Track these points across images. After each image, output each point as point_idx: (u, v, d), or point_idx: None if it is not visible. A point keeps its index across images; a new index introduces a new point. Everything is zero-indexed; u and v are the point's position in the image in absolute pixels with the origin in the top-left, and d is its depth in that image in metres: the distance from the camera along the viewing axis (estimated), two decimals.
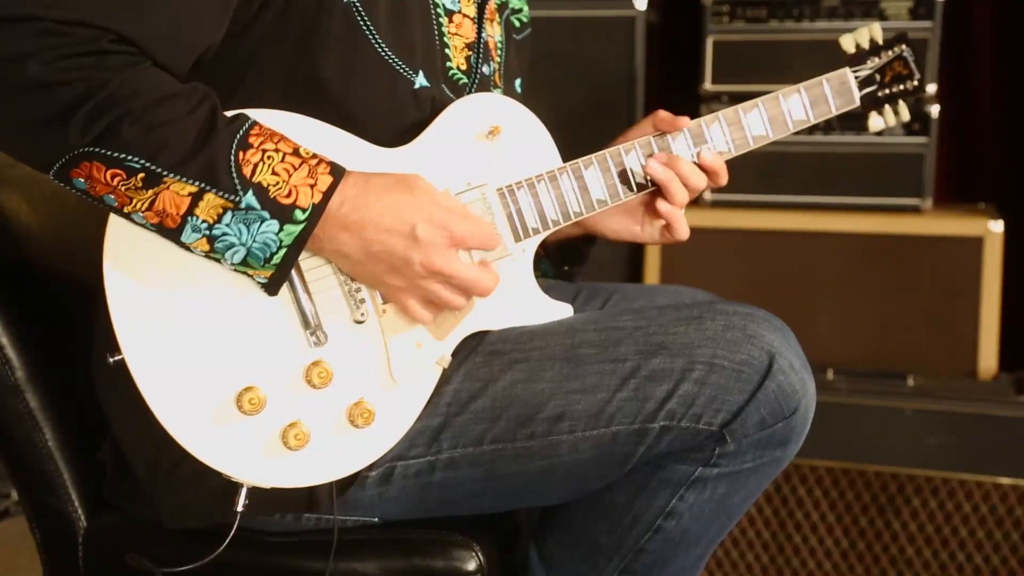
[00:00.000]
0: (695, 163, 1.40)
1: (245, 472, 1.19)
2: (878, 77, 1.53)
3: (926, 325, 2.52)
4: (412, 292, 1.21)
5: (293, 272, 1.18)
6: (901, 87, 1.54)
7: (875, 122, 1.56)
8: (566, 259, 1.54)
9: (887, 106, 1.55)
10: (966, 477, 2.32)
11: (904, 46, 1.53)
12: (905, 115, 1.56)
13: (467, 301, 1.25)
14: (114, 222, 1.16)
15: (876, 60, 1.52)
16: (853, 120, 2.48)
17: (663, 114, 1.42)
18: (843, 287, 2.57)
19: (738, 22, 2.63)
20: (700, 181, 1.39)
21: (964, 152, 2.91)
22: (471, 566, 1.31)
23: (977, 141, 2.91)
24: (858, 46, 1.53)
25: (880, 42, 1.53)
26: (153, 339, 1.16)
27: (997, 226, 2.48)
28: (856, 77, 1.51)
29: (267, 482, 1.20)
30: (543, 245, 1.52)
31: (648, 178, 1.39)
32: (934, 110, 2.53)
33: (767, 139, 1.46)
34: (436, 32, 1.33)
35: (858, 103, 1.51)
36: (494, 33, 1.44)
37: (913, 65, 1.53)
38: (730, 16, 2.63)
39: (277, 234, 1.12)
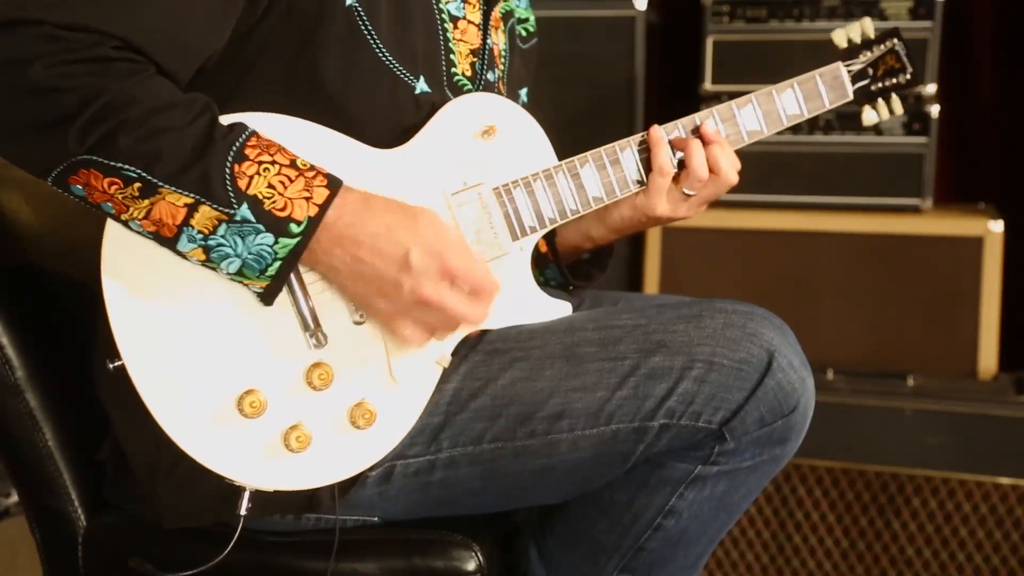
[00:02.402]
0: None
1: (247, 475, 1.19)
2: (871, 71, 1.53)
3: (926, 325, 2.52)
4: (401, 316, 1.20)
5: (291, 274, 1.18)
6: (894, 80, 1.55)
7: (868, 116, 1.57)
8: (576, 275, 1.54)
9: (880, 100, 1.56)
10: (966, 477, 2.32)
11: (896, 40, 1.54)
12: (898, 108, 1.57)
13: (454, 331, 1.24)
14: (111, 227, 1.16)
15: (868, 54, 1.53)
16: (853, 119, 2.48)
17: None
18: (843, 287, 2.57)
19: (738, 22, 2.63)
20: (729, 165, 1.40)
21: (964, 152, 2.91)
22: (471, 566, 1.31)
23: (977, 141, 2.91)
24: (850, 41, 1.54)
25: (872, 36, 1.54)
26: (153, 344, 1.16)
27: (997, 226, 2.48)
28: (849, 71, 1.52)
29: (269, 485, 1.20)
30: (553, 254, 1.53)
31: (644, 173, 1.39)
32: (934, 110, 2.53)
33: (761, 134, 1.47)
34: (441, 38, 1.33)
35: (851, 96, 1.52)
36: (498, 41, 1.44)
37: (905, 59, 1.54)
38: (730, 16, 2.63)
39: (272, 246, 1.12)
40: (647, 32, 2.67)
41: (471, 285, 1.21)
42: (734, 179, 1.42)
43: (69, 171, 1.08)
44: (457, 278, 1.19)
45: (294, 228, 1.12)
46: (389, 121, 1.28)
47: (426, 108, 1.31)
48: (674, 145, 1.40)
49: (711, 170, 1.40)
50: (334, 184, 1.15)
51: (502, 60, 1.45)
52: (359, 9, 1.24)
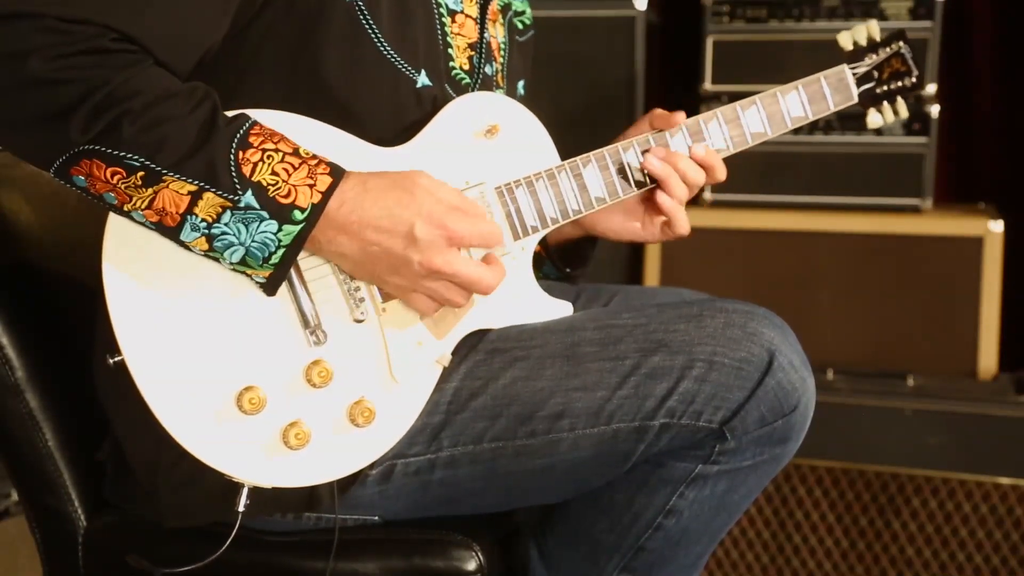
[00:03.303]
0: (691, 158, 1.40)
1: (246, 472, 1.19)
2: (876, 74, 1.53)
3: (926, 325, 2.52)
4: (414, 290, 1.21)
5: (292, 271, 1.18)
6: (899, 84, 1.54)
7: (874, 119, 1.56)
8: (568, 261, 1.54)
9: (885, 103, 1.55)
10: (966, 477, 2.32)
11: (902, 43, 1.53)
12: (904, 112, 1.56)
13: (468, 299, 1.25)
14: (113, 223, 1.16)
15: (874, 57, 1.53)
16: (853, 120, 2.48)
17: (659, 112, 1.43)
18: (843, 287, 2.57)
19: (738, 22, 2.63)
20: (698, 176, 1.39)
21: (964, 152, 2.91)
22: (471, 566, 1.31)
23: (977, 141, 2.91)
24: (856, 43, 1.53)
25: (878, 39, 1.53)
26: (153, 340, 1.16)
27: (997, 226, 2.48)
28: (854, 74, 1.51)
29: (268, 482, 1.20)
30: (544, 247, 1.53)
31: (647, 175, 1.39)
32: (934, 110, 2.53)
33: (765, 136, 1.46)
34: (439, 32, 1.33)
35: (856, 99, 1.51)
36: (497, 34, 1.44)
37: (911, 62, 1.54)
38: (730, 16, 2.63)
39: (276, 234, 1.12)
40: (647, 32, 2.67)
41: (478, 245, 1.23)
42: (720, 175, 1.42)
43: (71, 161, 1.09)
44: (464, 241, 1.20)
45: (298, 215, 1.13)
46: (391, 115, 1.29)
47: (428, 102, 1.31)
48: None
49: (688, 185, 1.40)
50: (337, 172, 1.15)
51: (501, 53, 1.45)
52: (360, 3, 1.24)
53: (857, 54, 1.52)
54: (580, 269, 1.55)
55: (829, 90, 1.49)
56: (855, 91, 1.51)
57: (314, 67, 1.23)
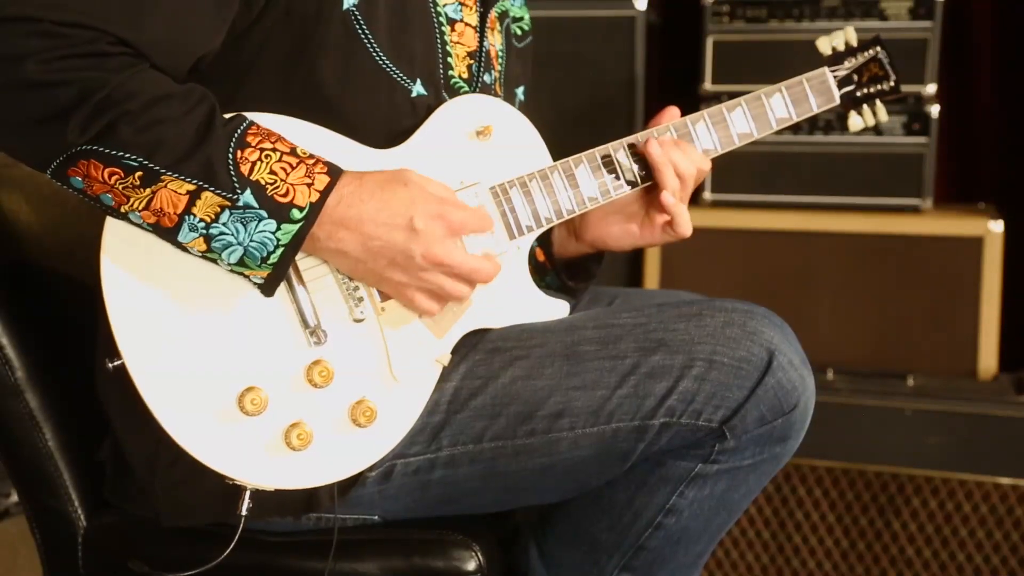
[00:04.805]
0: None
1: (248, 473, 1.19)
2: (855, 77, 1.56)
3: (926, 325, 2.52)
4: (415, 286, 1.22)
5: (291, 271, 1.18)
6: (878, 87, 1.57)
7: (854, 121, 1.60)
8: (573, 275, 1.55)
9: (865, 106, 1.59)
10: (966, 477, 2.32)
11: (879, 48, 1.57)
12: (883, 116, 1.59)
13: (470, 290, 1.25)
14: (111, 226, 1.16)
15: (853, 61, 1.55)
16: None
17: (656, 118, 1.45)
18: (843, 287, 2.57)
19: (738, 22, 2.63)
20: (686, 165, 1.39)
21: (964, 152, 2.91)
22: (471, 566, 1.32)
23: (977, 141, 2.91)
24: (834, 49, 1.56)
25: (855, 44, 1.56)
26: (153, 343, 1.16)
27: (997, 226, 2.48)
28: (835, 76, 1.54)
29: (270, 483, 1.20)
30: (550, 260, 1.53)
31: (637, 174, 1.40)
32: (934, 110, 2.53)
33: (751, 136, 1.48)
34: (439, 41, 1.34)
35: (838, 101, 1.55)
36: (495, 42, 1.45)
37: (888, 67, 1.57)
38: (730, 16, 2.63)
39: (274, 233, 1.13)
40: (647, 32, 2.67)
41: (476, 230, 1.25)
42: (703, 168, 1.42)
43: (68, 163, 1.09)
44: (464, 229, 1.22)
45: (296, 214, 1.13)
46: (385, 124, 1.29)
47: (422, 111, 1.31)
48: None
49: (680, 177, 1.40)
50: (334, 171, 1.16)
51: (499, 61, 1.45)
52: (356, 13, 1.25)
53: (836, 58, 1.56)
54: (583, 284, 1.55)
55: (811, 92, 1.52)
56: (836, 93, 1.54)
57: (310, 74, 1.24)
